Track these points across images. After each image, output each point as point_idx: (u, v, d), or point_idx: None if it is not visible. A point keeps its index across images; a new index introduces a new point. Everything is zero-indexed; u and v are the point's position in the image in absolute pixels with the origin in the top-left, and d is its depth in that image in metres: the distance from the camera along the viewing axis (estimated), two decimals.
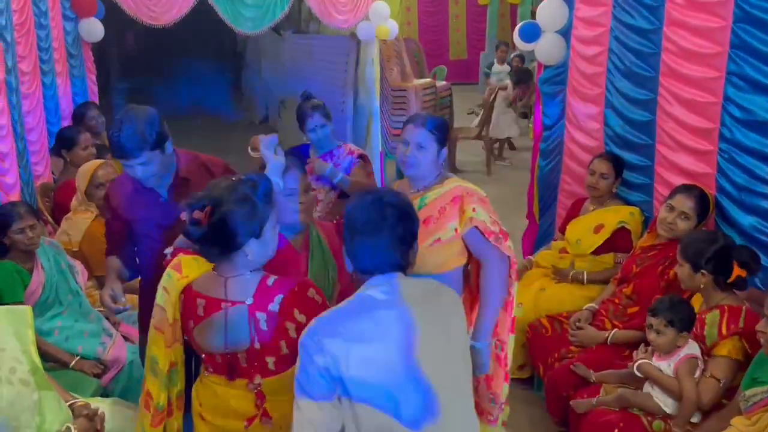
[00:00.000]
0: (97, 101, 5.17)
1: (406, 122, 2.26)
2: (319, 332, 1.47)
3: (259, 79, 9.81)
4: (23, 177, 3.43)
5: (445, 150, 2.25)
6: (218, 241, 1.65)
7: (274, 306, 1.64)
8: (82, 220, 3.03)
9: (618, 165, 3.21)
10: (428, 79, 6.50)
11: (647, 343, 2.37)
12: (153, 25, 5.16)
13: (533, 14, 9.81)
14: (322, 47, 6.78)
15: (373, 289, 1.53)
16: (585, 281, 3.12)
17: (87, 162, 3.38)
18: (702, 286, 2.31)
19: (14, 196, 3.12)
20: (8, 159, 3.11)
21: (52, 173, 4.02)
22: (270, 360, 1.66)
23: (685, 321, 2.26)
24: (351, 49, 6.06)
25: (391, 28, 5.63)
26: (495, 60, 8.64)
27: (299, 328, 1.61)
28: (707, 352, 2.24)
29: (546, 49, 3.79)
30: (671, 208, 2.70)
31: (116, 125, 2.09)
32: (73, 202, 3.22)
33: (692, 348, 2.26)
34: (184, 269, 1.76)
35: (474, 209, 2.11)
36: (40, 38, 4.04)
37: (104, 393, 2.66)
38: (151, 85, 11.52)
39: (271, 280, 1.69)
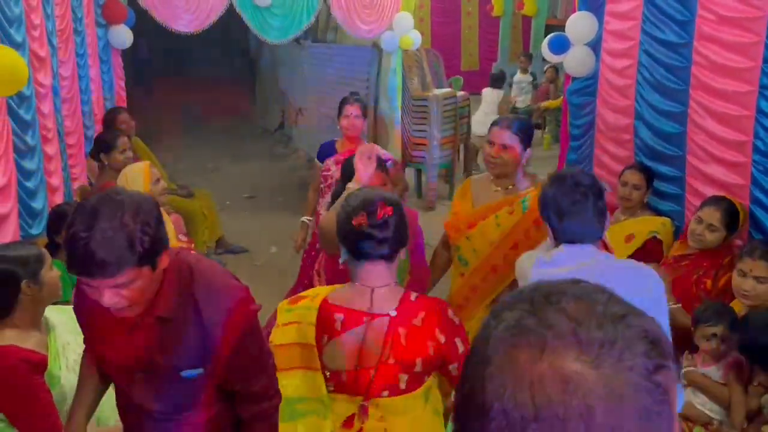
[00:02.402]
0: (125, 106, 5.26)
1: (493, 124, 2.45)
2: None
3: (275, 88, 9.89)
4: (63, 179, 3.50)
5: (529, 151, 2.41)
6: (397, 242, 1.63)
7: (417, 321, 1.60)
8: None
9: (649, 175, 3.26)
10: (449, 89, 6.58)
11: (691, 351, 2.41)
12: (181, 32, 5.27)
13: (547, 27, 9.93)
14: (343, 56, 6.87)
15: (557, 259, 1.79)
16: None
17: (127, 165, 3.44)
18: None
19: (59, 198, 3.20)
20: (54, 161, 3.19)
21: (88, 177, 4.10)
22: (403, 378, 1.61)
23: (737, 322, 2.30)
24: (373, 59, 6.16)
25: (414, 38, 5.73)
26: (518, 70, 8.75)
27: (437, 348, 1.60)
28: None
29: (575, 61, 3.86)
30: (700, 220, 2.75)
31: (84, 219, 1.29)
32: None
33: (736, 351, 2.30)
34: (308, 292, 1.75)
35: None
36: (77, 44, 4.14)
37: None
38: (165, 92, 11.66)
39: (414, 296, 1.67)
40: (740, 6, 2.78)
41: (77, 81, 4.08)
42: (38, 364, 1.90)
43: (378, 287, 1.63)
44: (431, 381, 1.68)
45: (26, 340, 1.92)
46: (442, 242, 2.70)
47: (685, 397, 2.37)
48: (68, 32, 3.90)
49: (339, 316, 1.63)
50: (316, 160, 3.73)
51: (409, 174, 6.69)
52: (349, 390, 1.64)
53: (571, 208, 1.77)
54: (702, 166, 3.07)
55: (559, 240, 1.82)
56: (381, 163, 2.42)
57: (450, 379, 1.69)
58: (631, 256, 3.18)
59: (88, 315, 1.59)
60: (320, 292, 1.71)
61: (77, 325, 2.19)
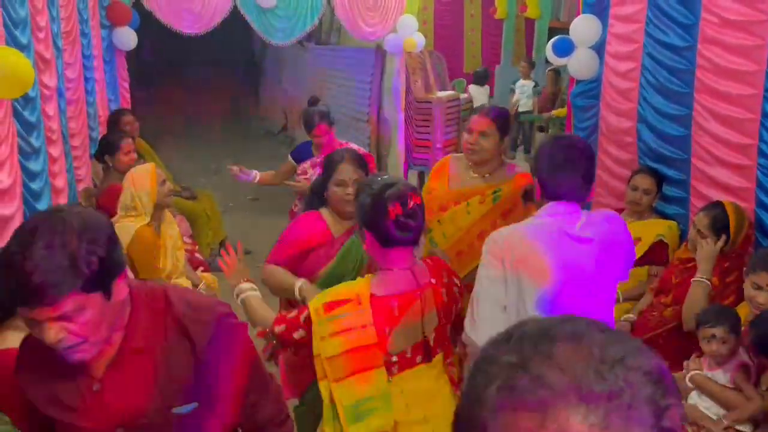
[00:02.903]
0: (129, 107, 5.27)
1: (470, 113, 2.60)
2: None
3: (279, 89, 9.91)
4: (67, 180, 3.51)
5: (506, 139, 2.53)
6: (423, 227, 1.80)
7: (445, 279, 1.86)
8: (130, 224, 3.09)
9: (659, 179, 3.24)
10: (452, 92, 6.59)
11: (698, 354, 2.40)
12: (186, 33, 5.29)
13: (551, 30, 9.92)
14: (347, 58, 6.88)
15: (559, 213, 1.84)
16: (620, 300, 3.13)
17: (131, 167, 3.45)
18: None
19: (63, 199, 3.20)
20: (58, 163, 3.20)
21: (93, 179, 4.11)
22: (448, 328, 1.86)
23: (739, 325, 2.29)
24: (376, 61, 6.16)
25: (417, 40, 5.74)
26: (522, 76, 8.77)
27: (459, 291, 1.90)
28: (761, 363, 2.27)
29: (579, 63, 3.86)
30: (694, 225, 2.76)
31: (20, 239, 1.12)
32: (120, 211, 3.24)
33: (743, 354, 2.29)
34: (341, 293, 1.75)
35: None
36: (83, 46, 4.15)
37: None
38: (168, 94, 11.68)
39: (429, 261, 1.91)
40: (745, 9, 2.77)
41: (83, 83, 4.09)
42: None
43: (413, 266, 1.80)
44: None
45: None
46: None
47: (691, 401, 2.37)
48: (74, 34, 3.90)
49: (395, 304, 1.73)
50: (289, 157, 3.91)
51: (412, 176, 6.70)
52: (414, 363, 1.77)
53: (564, 163, 1.83)
54: (707, 169, 3.06)
55: (546, 193, 1.88)
56: (360, 159, 2.44)
57: None
58: (638, 260, 3.18)
59: (40, 384, 1.31)
60: (359, 291, 1.73)
61: None
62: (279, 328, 1.80)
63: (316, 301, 1.76)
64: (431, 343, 1.79)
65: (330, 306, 1.72)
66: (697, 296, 2.56)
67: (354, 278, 2.03)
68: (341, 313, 1.70)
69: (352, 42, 6.52)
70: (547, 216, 1.86)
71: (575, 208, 1.86)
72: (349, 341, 1.69)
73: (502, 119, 2.51)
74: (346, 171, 2.28)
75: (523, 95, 8.39)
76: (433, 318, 1.78)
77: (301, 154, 3.84)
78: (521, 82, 8.60)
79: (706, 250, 2.61)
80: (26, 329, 1.94)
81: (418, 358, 1.78)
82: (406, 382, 1.77)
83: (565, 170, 1.83)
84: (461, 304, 1.94)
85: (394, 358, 1.74)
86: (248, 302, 1.98)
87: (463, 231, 2.47)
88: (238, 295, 2.01)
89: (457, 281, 1.90)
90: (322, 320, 1.71)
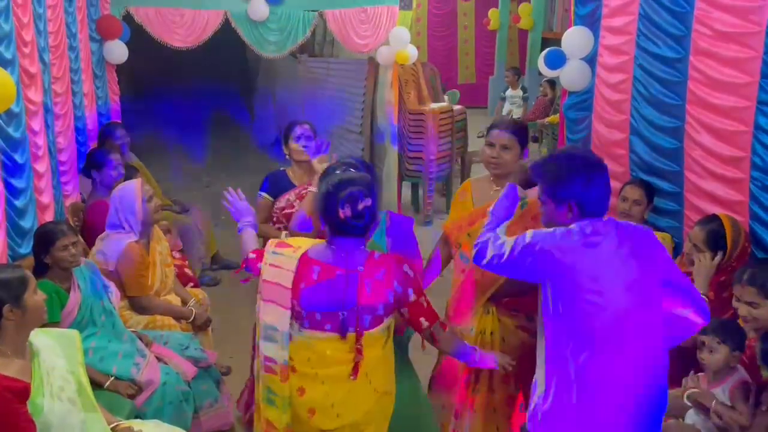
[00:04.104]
0: (120, 121, 5.23)
1: (491, 128, 2.61)
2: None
3: (272, 102, 9.90)
4: (54, 196, 3.46)
5: (527, 150, 2.59)
6: (371, 223, 2.02)
7: (379, 276, 2.01)
8: (119, 241, 3.05)
9: (650, 191, 3.22)
10: (445, 103, 6.57)
11: (696, 371, 2.36)
12: (177, 47, 5.26)
13: (544, 40, 9.95)
14: (340, 70, 6.86)
15: (595, 228, 1.91)
16: None
17: (119, 182, 3.41)
18: None
19: (49, 215, 3.15)
20: (44, 178, 3.15)
21: (80, 193, 4.05)
22: (367, 318, 2.02)
23: (736, 339, 2.25)
24: (369, 73, 6.14)
25: (410, 52, 5.72)
26: (509, 86, 8.76)
27: (396, 296, 2.03)
28: (762, 382, 2.23)
29: (571, 75, 3.85)
30: (689, 239, 2.73)
31: None
32: (108, 228, 3.18)
33: (743, 372, 2.26)
34: (293, 242, 2.12)
35: None
36: (71, 60, 4.11)
37: (138, 414, 2.65)
38: (161, 107, 11.63)
39: (377, 255, 2.05)
40: (737, 21, 2.75)
41: (71, 97, 4.04)
42: (20, 392, 1.84)
43: (350, 250, 2.03)
44: (390, 321, 2.10)
45: (8, 367, 1.87)
46: (442, 240, 2.82)
47: (689, 420, 2.32)
48: (62, 48, 3.87)
49: (316, 268, 2.02)
50: (264, 194, 3.11)
51: (406, 188, 6.66)
52: (321, 327, 2.02)
53: (598, 182, 1.92)
54: (700, 182, 3.03)
55: (584, 212, 1.93)
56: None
57: (402, 318, 2.13)
58: None
59: None
60: (301, 245, 2.08)
61: (65, 347, 2.14)
62: (252, 255, 2.17)
63: (276, 240, 2.15)
64: (341, 318, 2.00)
65: (281, 245, 2.10)
66: None
67: None
68: (282, 253, 2.05)
69: (345, 54, 6.51)
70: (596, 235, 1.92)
71: (611, 220, 1.97)
72: (276, 275, 2.03)
73: (522, 132, 2.59)
74: None
75: (513, 105, 8.40)
76: (351, 299, 1.99)
77: (275, 184, 3.12)
78: (510, 91, 8.61)
79: (703, 264, 2.58)
80: (6, 355, 1.89)
81: (327, 326, 2.01)
82: (317, 342, 2.03)
83: (599, 188, 1.92)
84: (401, 309, 2.06)
85: (304, 313, 2.01)
86: (243, 234, 2.32)
87: None
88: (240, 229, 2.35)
89: (398, 288, 2.01)
90: (270, 252, 2.08)
